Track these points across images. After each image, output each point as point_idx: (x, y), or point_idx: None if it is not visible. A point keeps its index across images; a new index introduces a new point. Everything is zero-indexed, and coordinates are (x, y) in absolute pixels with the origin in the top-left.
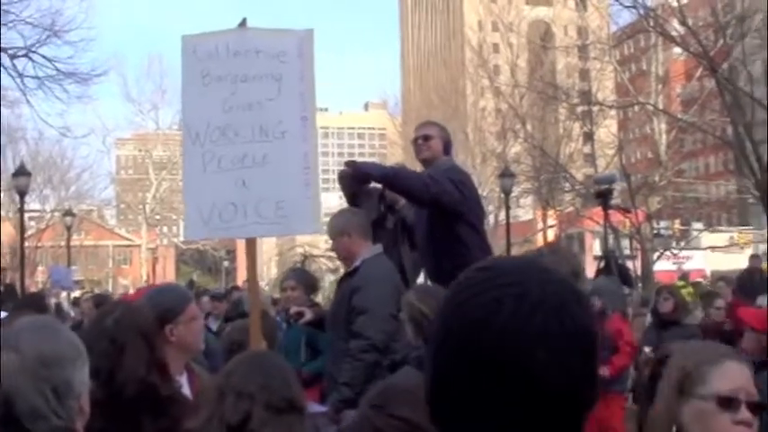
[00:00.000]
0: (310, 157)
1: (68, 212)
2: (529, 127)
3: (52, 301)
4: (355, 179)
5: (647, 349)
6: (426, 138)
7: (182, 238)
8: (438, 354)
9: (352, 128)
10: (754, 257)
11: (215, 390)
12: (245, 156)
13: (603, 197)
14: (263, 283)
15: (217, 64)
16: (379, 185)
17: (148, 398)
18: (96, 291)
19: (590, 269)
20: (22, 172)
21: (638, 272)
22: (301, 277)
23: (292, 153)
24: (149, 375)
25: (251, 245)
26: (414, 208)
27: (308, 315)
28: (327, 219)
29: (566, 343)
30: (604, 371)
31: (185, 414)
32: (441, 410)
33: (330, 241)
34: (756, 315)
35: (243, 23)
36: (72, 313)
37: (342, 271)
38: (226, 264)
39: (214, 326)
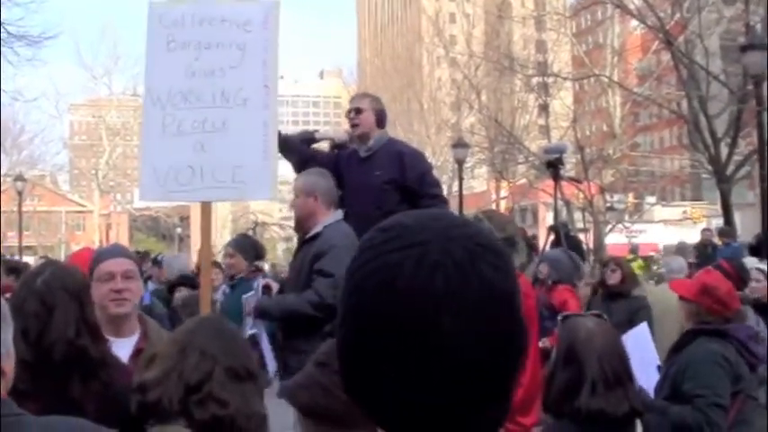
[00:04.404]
0: (270, 125)
1: (20, 177)
2: (484, 98)
3: None
4: (304, 142)
5: (596, 316)
6: (358, 111)
7: (135, 205)
8: (343, 321)
9: (307, 96)
10: (705, 231)
11: (175, 345)
12: (205, 120)
13: (554, 167)
14: (214, 250)
15: (182, 31)
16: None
17: (77, 360)
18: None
19: (543, 241)
20: None
21: (590, 245)
22: (240, 244)
23: (252, 120)
24: (78, 337)
25: (206, 209)
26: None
27: (276, 287)
28: (281, 187)
29: (473, 305)
30: (546, 342)
31: (116, 377)
32: (351, 380)
33: (283, 210)
34: (685, 285)
35: None
36: None
37: (295, 240)
38: (179, 231)
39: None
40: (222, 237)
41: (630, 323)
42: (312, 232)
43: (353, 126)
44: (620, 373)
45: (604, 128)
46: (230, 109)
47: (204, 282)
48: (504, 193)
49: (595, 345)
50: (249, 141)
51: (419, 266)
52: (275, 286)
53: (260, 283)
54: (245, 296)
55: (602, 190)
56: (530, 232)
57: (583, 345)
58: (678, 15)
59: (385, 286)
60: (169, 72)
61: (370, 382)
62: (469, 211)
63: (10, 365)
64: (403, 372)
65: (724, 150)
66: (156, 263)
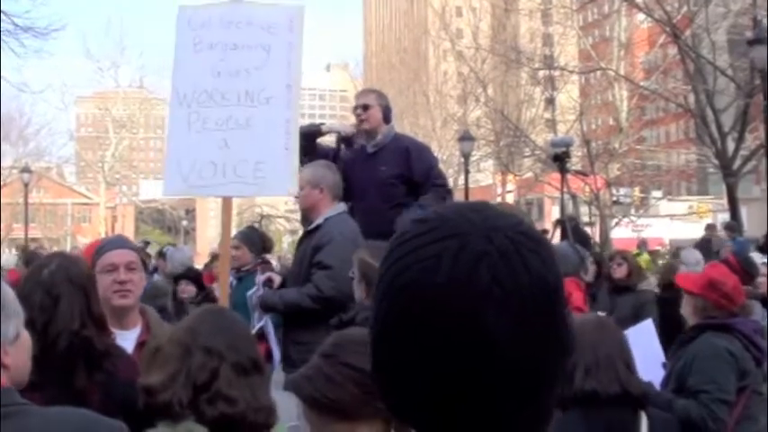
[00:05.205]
0: (292, 123)
1: (26, 169)
2: (490, 91)
3: None
4: (305, 137)
5: (600, 314)
6: (365, 107)
7: (141, 197)
8: (376, 320)
9: (314, 89)
10: (710, 227)
11: (179, 346)
12: (229, 118)
13: (560, 160)
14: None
15: (209, 32)
16: (320, 139)
17: (82, 351)
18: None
19: (551, 235)
20: None
21: (597, 238)
22: (246, 237)
23: (275, 118)
24: (83, 328)
25: (227, 204)
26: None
27: (278, 280)
28: None
29: (520, 298)
30: None
31: (121, 368)
32: (384, 379)
33: (289, 202)
34: (691, 279)
35: None
36: None
37: (300, 233)
38: (185, 223)
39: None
40: None
41: (636, 317)
42: (314, 224)
43: (361, 122)
44: (613, 356)
45: (611, 121)
46: (254, 107)
47: (222, 275)
48: (510, 186)
49: (587, 332)
50: (271, 138)
51: (459, 258)
52: (277, 279)
53: (260, 278)
54: (249, 293)
55: (608, 184)
56: (536, 226)
57: (578, 335)
58: (685, 9)
59: (421, 281)
60: (195, 72)
61: (405, 382)
62: None
63: (13, 357)
64: (440, 371)
65: (731, 145)
66: (162, 255)
